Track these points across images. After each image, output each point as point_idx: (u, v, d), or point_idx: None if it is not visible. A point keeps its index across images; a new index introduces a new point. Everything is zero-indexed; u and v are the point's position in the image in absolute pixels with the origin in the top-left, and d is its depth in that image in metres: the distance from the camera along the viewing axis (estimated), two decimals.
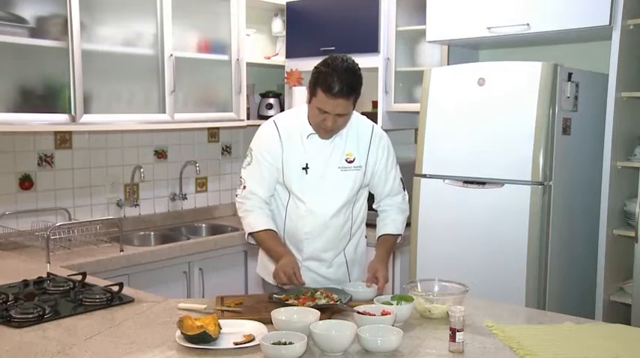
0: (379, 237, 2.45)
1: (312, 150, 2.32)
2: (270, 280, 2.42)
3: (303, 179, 2.33)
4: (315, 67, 2.21)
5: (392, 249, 2.47)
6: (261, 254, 2.54)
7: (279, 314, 1.87)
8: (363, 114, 3.89)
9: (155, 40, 3.45)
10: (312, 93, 2.21)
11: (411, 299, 2.03)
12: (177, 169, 3.97)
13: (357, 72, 2.20)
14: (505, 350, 1.77)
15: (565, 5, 2.99)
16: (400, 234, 2.47)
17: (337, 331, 1.76)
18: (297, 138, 2.33)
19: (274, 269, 2.25)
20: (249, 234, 2.35)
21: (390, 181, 2.46)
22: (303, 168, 2.32)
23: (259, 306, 2.08)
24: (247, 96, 3.99)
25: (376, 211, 2.53)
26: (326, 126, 2.23)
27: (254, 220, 2.34)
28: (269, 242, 2.32)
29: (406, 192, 2.54)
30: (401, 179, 2.51)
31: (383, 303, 1.99)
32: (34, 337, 1.84)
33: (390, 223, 2.45)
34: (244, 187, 2.37)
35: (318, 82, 2.16)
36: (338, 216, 2.37)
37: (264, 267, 2.53)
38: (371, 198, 2.53)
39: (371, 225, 2.55)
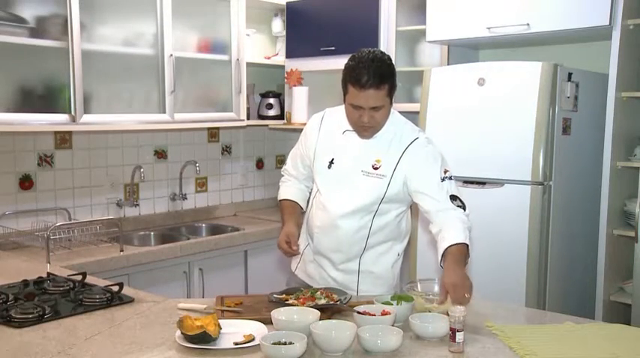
0: (443, 253, 2.08)
1: (342, 146, 2.28)
2: (299, 274, 2.48)
3: (325, 173, 2.30)
4: (344, 66, 2.18)
5: (459, 259, 2.03)
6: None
7: (279, 314, 1.87)
8: None
9: (155, 40, 3.45)
10: (344, 91, 2.17)
11: (411, 299, 2.03)
12: (177, 169, 3.97)
13: (386, 61, 2.14)
14: (505, 350, 1.77)
15: (565, 5, 2.99)
16: (465, 244, 2.06)
17: (337, 331, 1.76)
18: (334, 132, 2.31)
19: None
20: (279, 200, 2.52)
21: (434, 197, 2.17)
22: (329, 162, 2.29)
23: (259, 306, 2.08)
24: (247, 96, 3.99)
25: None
26: (363, 123, 2.15)
27: (281, 190, 2.53)
28: (281, 211, 2.48)
29: (463, 210, 2.17)
30: (453, 196, 2.19)
31: (383, 303, 1.99)
32: (34, 337, 1.84)
33: (447, 235, 2.09)
34: (285, 164, 2.56)
35: (347, 78, 2.13)
36: (349, 220, 2.26)
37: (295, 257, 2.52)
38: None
39: None
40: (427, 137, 2.30)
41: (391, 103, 2.20)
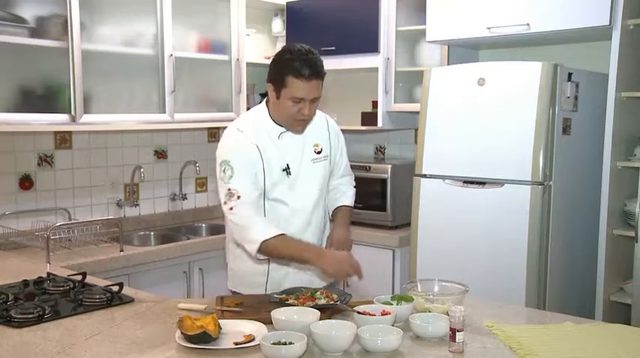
0: (335, 209, 2.50)
1: (287, 149, 2.28)
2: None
3: (286, 181, 2.27)
4: (275, 61, 2.18)
5: (349, 220, 2.50)
6: (235, 266, 2.42)
7: (279, 314, 1.87)
8: (363, 114, 3.96)
9: (155, 40, 3.45)
10: (280, 86, 2.15)
11: (411, 299, 2.03)
12: (177, 169, 3.97)
13: (317, 53, 2.19)
14: (505, 350, 1.77)
15: (565, 5, 2.99)
16: (353, 207, 2.54)
17: (337, 331, 1.76)
18: (270, 141, 2.26)
19: (329, 266, 2.09)
20: (263, 242, 2.12)
21: (343, 166, 2.51)
22: (284, 170, 2.26)
23: (259, 306, 2.08)
24: (247, 96, 3.99)
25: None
26: (303, 116, 2.19)
27: (262, 228, 2.15)
28: (295, 243, 2.17)
29: (352, 174, 2.61)
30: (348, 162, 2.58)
31: (383, 303, 1.99)
32: (34, 337, 1.84)
33: (343, 196, 2.51)
34: (238, 197, 2.16)
35: (287, 71, 2.12)
36: (317, 210, 2.37)
37: (241, 281, 2.41)
38: None
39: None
40: None
41: None
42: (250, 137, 2.24)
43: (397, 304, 1.99)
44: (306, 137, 2.33)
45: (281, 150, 2.27)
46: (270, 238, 2.12)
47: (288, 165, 2.28)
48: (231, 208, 2.17)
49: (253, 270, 2.36)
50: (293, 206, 2.30)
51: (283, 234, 2.15)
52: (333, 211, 2.50)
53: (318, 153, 2.36)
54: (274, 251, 2.15)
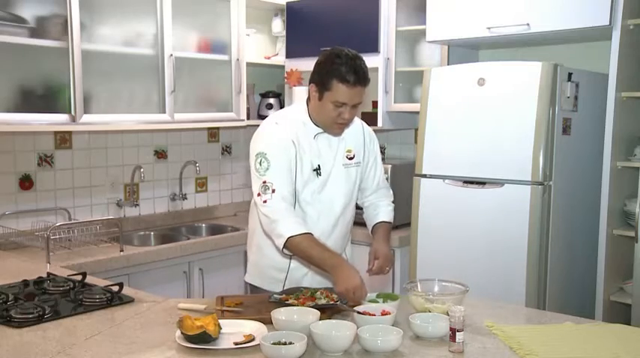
0: (374, 225, 2.44)
1: (321, 150, 2.28)
2: (269, 288, 2.34)
3: (314, 181, 2.27)
4: (322, 63, 2.18)
5: (388, 236, 2.44)
6: (257, 259, 2.43)
7: (279, 314, 1.87)
8: (363, 114, 3.96)
9: (155, 40, 3.45)
10: (324, 89, 2.16)
11: (397, 297, 2.07)
12: (177, 169, 3.97)
13: (363, 59, 2.19)
14: (505, 350, 1.77)
15: (565, 5, 2.99)
16: (391, 223, 2.48)
17: (337, 331, 1.76)
18: (306, 139, 2.26)
19: (341, 284, 2.02)
20: (289, 238, 2.09)
21: (378, 175, 2.47)
22: (314, 170, 2.27)
23: (259, 306, 2.08)
24: (247, 96, 3.99)
25: (361, 209, 2.52)
26: (343, 120, 2.20)
27: (291, 224, 2.11)
28: (319, 247, 2.11)
29: (389, 187, 2.55)
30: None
31: (369, 302, 2.01)
32: (34, 337, 1.84)
33: (382, 213, 2.45)
34: (273, 191, 2.15)
35: (333, 75, 2.12)
36: (344, 215, 2.36)
37: (259, 274, 2.42)
38: None
39: (357, 223, 2.53)
40: None
41: None
42: (288, 132, 2.24)
43: (383, 302, 2.02)
44: (341, 141, 2.32)
45: (314, 151, 2.27)
46: (297, 235, 2.09)
47: (319, 166, 2.27)
48: (265, 201, 2.15)
49: (274, 265, 2.37)
50: (320, 208, 2.30)
51: (310, 234, 2.12)
52: (373, 226, 2.45)
53: (350, 158, 2.34)
54: (297, 248, 2.11)
